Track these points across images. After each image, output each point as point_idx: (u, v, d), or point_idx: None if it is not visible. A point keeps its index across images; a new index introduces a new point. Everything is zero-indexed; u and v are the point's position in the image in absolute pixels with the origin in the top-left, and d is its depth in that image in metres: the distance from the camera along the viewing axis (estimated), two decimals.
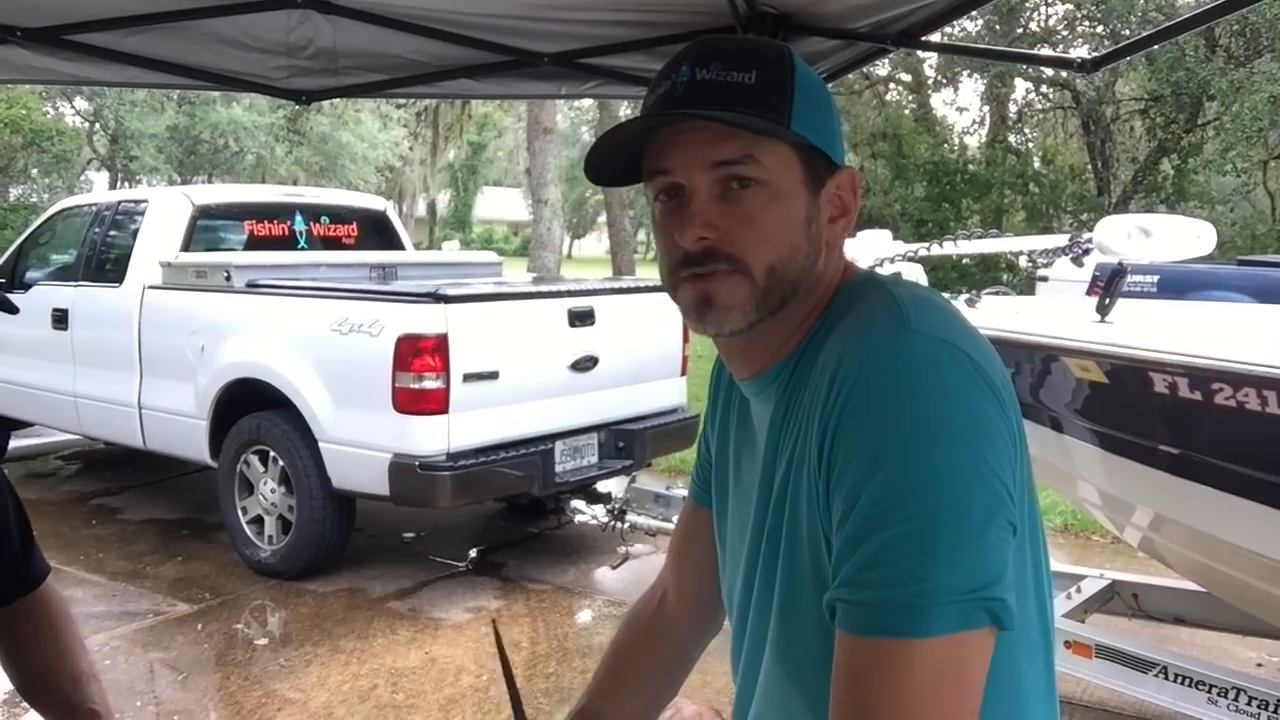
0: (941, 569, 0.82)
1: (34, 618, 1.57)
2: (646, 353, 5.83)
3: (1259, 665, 4.23)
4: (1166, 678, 3.35)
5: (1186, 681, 3.31)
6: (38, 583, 1.58)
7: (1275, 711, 3.12)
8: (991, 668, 0.88)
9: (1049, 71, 17.80)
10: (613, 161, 1.05)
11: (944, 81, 20.43)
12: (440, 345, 4.72)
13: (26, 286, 6.97)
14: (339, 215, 7.30)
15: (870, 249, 5.06)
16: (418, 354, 4.71)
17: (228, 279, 5.68)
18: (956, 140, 20.67)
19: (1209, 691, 3.26)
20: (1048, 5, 17.95)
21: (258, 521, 5.46)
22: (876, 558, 0.84)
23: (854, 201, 1.06)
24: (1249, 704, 3.18)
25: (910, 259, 5.07)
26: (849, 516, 0.87)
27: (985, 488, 0.85)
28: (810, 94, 1.00)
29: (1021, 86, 19.62)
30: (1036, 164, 19.70)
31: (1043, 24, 17.91)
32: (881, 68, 19.40)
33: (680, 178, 0.99)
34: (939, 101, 23.10)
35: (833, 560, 0.89)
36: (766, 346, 1.04)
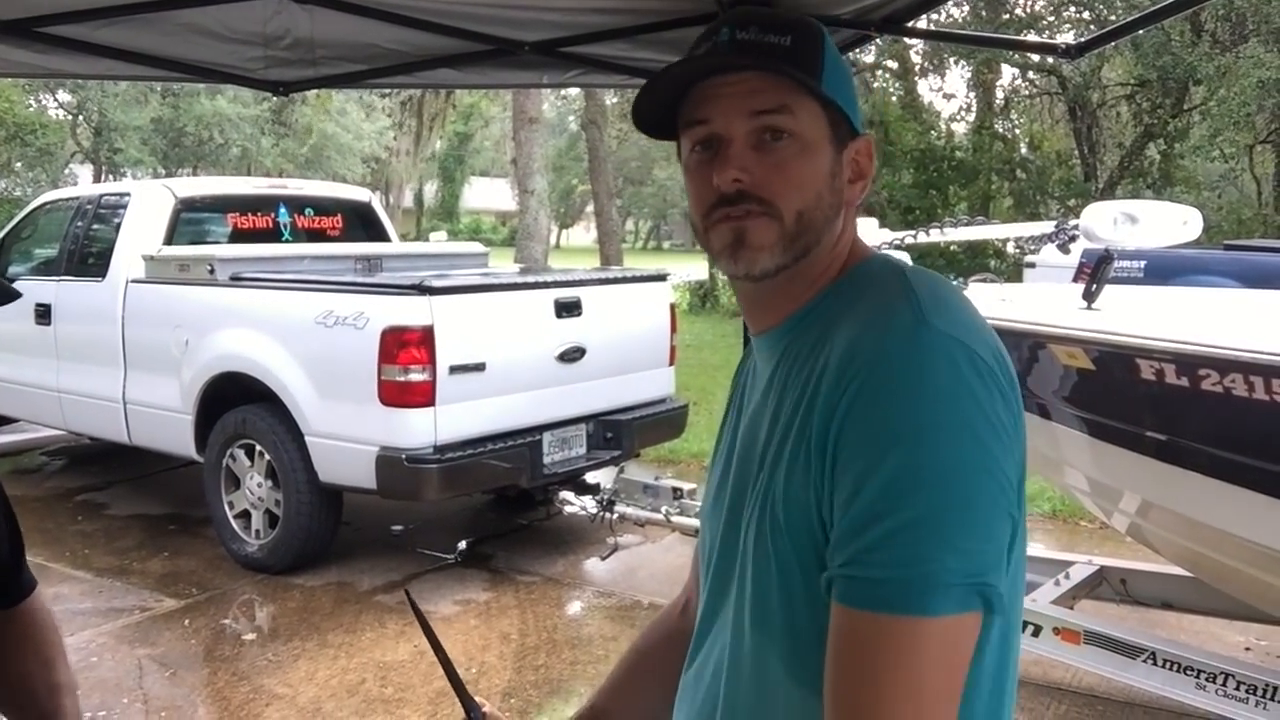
0: (949, 553, 0.87)
1: (19, 629, 1.55)
2: (634, 343, 5.81)
3: (1247, 649, 4.24)
4: (1155, 663, 3.35)
5: (1175, 667, 3.31)
6: (26, 594, 1.56)
7: (1263, 695, 3.13)
8: (984, 650, 0.93)
9: (1035, 57, 17.77)
10: (652, 112, 1.11)
11: (930, 68, 20.39)
12: (426, 337, 4.69)
13: (9, 282, 6.91)
14: (323, 207, 7.25)
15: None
16: (403, 346, 4.68)
17: (211, 272, 5.64)
18: (943, 127, 20.64)
19: (1197, 676, 3.26)
20: None
21: (244, 516, 5.43)
22: (889, 538, 0.88)
23: (870, 167, 1.12)
24: (1237, 688, 3.18)
25: (898, 247, 5.06)
26: (858, 497, 0.90)
27: (992, 481, 0.90)
28: (837, 63, 1.09)
29: (1008, 73, 19.60)
30: (1023, 150, 19.69)
31: (1028, 9, 17.88)
32: (868, 54, 19.37)
33: (718, 127, 1.05)
34: (925, 88, 23.11)
35: (834, 537, 0.93)
36: (784, 298, 1.09)
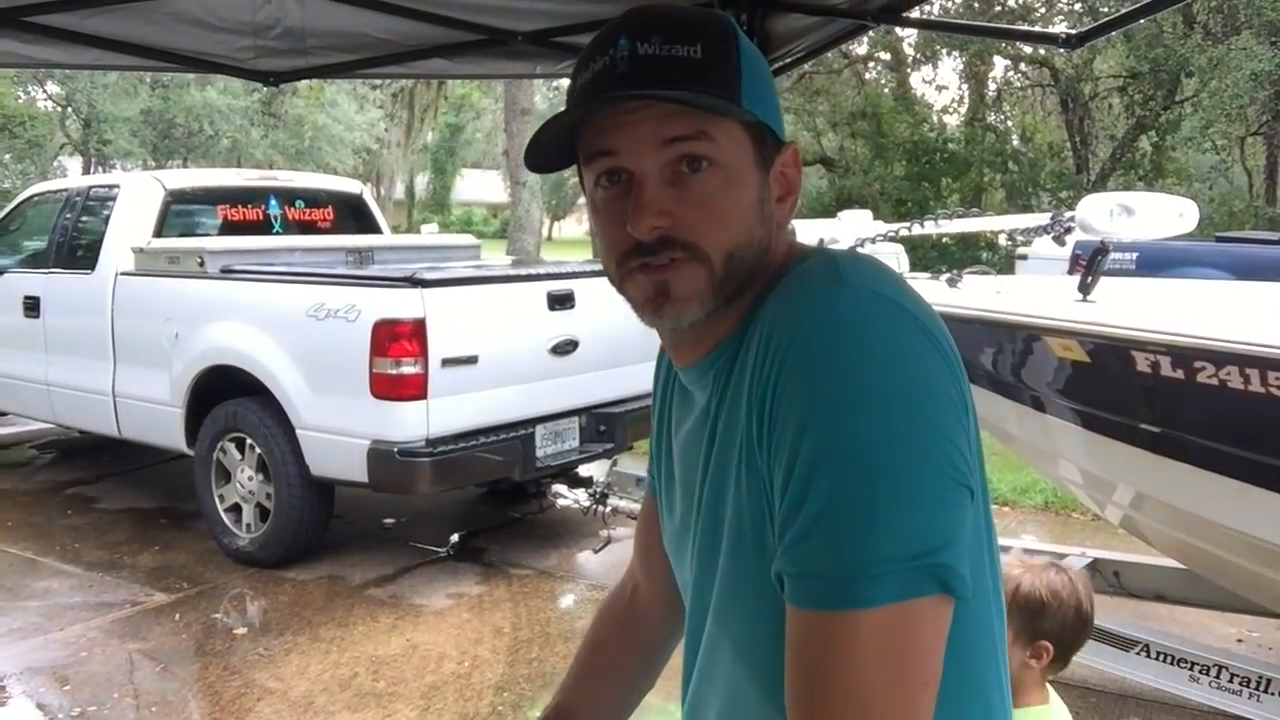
0: (880, 535, 0.79)
1: None
2: (627, 335, 5.73)
3: (1239, 641, 4.25)
4: (1148, 655, 3.36)
5: (1168, 659, 3.32)
6: None
7: (1256, 688, 3.14)
8: (951, 639, 0.86)
9: (1028, 49, 17.81)
10: (548, 143, 0.98)
11: (923, 60, 20.42)
12: (418, 330, 4.66)
13: None
14: (314, 199, 7.22)
15: (851, 229, 5.03)
16: (395, 339, 4.66)
17: (201, 265, 5.61)
18: (936, 119, 20.68)
19: (1190, 669, 3.27)
20: None
21: (235, 509, 5.40)
22: (814, 526, 0.80)
23: (798, 178, 1.01)
24: (1230, 680, 3.19)
25: (890, 239, 5.05)
26: (789, 482, 0.83)
27: (933, 446, 0.81)
28: (754, 66, 0.95)
29: (1000, 64, 19.64)
30: (1015, 142, 19.73)
31: (1020, 1, 17.88)
32: (861, 46, 19.38)
33: (627, 161, 0.93)
34: (918, 80, 23.13)
35: (776, 529, 0.86)
36: (711, 333, 0.99)
